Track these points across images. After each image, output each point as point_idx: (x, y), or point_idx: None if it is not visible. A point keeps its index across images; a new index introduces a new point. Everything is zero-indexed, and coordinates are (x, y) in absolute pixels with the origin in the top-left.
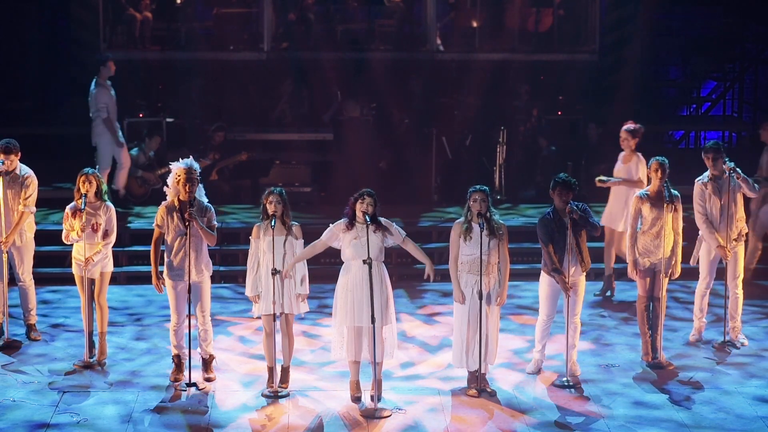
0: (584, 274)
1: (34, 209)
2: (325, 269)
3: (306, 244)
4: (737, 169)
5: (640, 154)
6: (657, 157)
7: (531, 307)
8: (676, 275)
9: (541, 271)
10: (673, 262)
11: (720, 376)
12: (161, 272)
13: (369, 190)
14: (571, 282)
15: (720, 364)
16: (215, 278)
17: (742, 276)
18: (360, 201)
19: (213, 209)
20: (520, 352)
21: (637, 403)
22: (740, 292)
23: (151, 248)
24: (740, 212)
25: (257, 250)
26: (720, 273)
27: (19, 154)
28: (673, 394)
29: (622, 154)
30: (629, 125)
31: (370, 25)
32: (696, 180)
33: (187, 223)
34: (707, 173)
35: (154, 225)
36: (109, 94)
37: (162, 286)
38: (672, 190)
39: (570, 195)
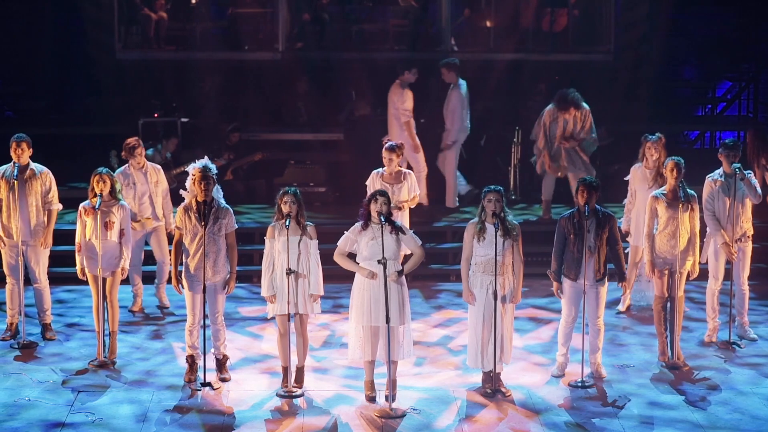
0: (604, 278)
1: (60, 206)
2: (340, 269)
3: (320, 244)
4: (744, 171)
5: (407, 171)
6: (673, 157)
7: (545, 307)
8: (694, 275)
9: (562, 274)
10: (690, 262)
11: (735, 377)
12: (180, 272)
13: (381, 190)
14: (588, 287)
15: (735, 365)
16: None
17: (748, 273)
18: (373, 202)
19: (232, 211)
20: (535, 353)
21: (653, 403)
22: (746, 288)
23: (172, 249)
24: (747, 213)
25: (272, 250)
26: (730, 271)
27: (31, 150)
28: (689, 394)
29: (381, 173)
30: (389, 143)
31: (384, 25)
32: (707, 176)
33: (203, 224)
34: (720, 170)
35: (173, 227)
36: (411, 98)
37: (181, 287)
38: (688, 190)
39: (594, 196)
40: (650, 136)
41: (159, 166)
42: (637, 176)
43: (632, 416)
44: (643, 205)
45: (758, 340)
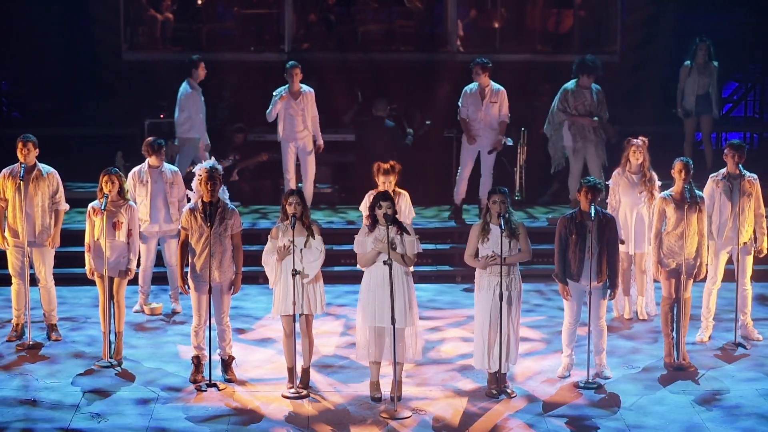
0: (605, 281)
1: (67, 206)
2: (346, 270)
3: (326, 244)
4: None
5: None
6: (681, 158)
7: (551, 306)
8: (701, 277)
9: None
10: (697, 264)
11: (740, 377)
12: (186, 273)
13: (383, 193)
14: (592, 288)
15: (739, 365)
16: None
17: (750, 273)
18: (378, 208)
19: (238, 212)
20: (541, 353)
21: (658, 404)
22: (749, 288)
23: (177, 250)
24: (750, 217)
25: (272, 249)
26: (729, 274)
27: (37, 150)
28: (695, 395)
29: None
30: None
31: (390, 26)
32: (711, 175)
33: (209, 225)
34: (724, 170)
35: (180, 228)
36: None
37: (187, 287)
38: (696, 191)
39: (597, 196)
40: (634, 140)
41: (177, 170)
42: (623, 183)
43: (637, 417)
44: (629, 211)
45: (763, 339)
